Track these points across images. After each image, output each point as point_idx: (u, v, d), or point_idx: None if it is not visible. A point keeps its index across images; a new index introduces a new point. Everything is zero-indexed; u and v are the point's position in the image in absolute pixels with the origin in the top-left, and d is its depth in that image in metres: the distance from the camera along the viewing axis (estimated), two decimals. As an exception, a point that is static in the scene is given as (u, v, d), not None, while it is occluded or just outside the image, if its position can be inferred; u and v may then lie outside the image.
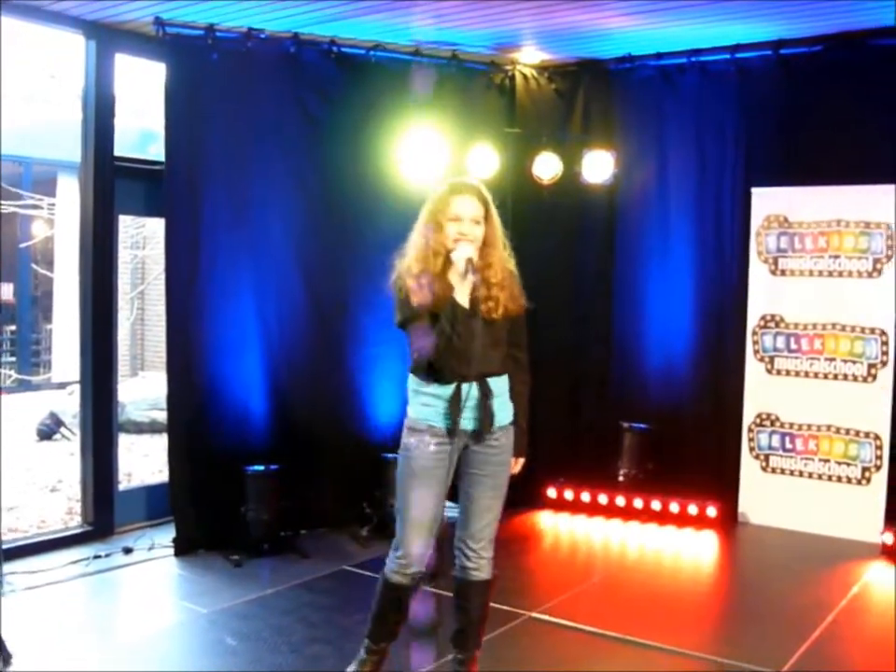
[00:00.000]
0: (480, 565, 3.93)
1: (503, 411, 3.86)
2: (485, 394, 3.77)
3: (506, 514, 6.66)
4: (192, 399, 6.20)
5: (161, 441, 8.01)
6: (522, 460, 4.00)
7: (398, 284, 3.81)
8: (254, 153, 6.31)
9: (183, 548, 6.09)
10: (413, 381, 3.91)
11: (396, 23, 6.18)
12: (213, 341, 6.24)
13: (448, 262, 3.74)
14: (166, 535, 6.23)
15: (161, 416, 8.30)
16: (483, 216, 3.80)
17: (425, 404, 3.83)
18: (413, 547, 3.84)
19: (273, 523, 6.15)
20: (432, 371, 3.77)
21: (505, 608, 5.07)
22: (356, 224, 6.66)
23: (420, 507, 3.82)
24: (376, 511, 6.56)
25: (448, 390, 3.75)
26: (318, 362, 6.60)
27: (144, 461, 9.22)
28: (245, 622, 4.97)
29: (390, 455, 6.57)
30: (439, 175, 6.31)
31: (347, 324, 6.75)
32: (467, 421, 3.78)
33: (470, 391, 3.74)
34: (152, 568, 5.86)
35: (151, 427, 10.58)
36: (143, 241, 13.86)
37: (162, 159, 6.14)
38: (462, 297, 3.70)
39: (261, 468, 6.16)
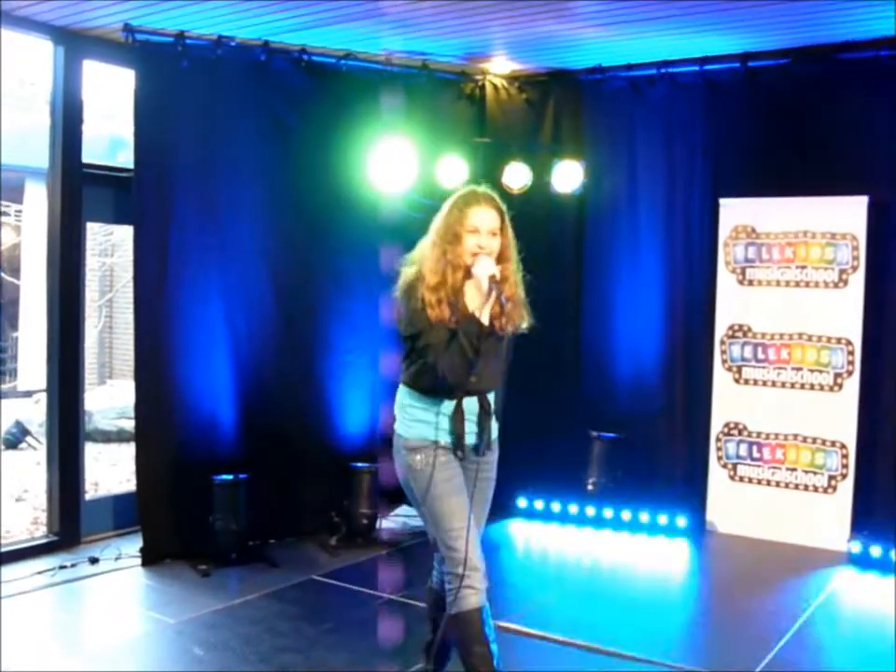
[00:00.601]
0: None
1: (495, 426, 3.82)
2: (485, 410, 3.71)
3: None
4: (160, 407, 6.16)
5: (129, 450, 7.96)
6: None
7: (409, 293, 3.63)
8: (224, 161, 6.29)
9: (150, 558, 6.04)
10: (407, 395, 3.76)
11: (366, 33, 6.18)
12: (181, 349, 6.20)
13: (466, 276, 3.62)
14: (133, 545, 6.18)
15: (130, 425, 8.24)
16: (500, 227, 3.69)
17: (420, 420, 3.70)
18: (475, 559, 3.62)
19: (241, 532, 6.12)
20: (439, 387, 3.63)
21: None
22: (325, 232, 6.65)
23: (461, 515, 3.64)
24: (345, 520, 6.55)
25: (450, 405, 3.66)
26: (288, 370, 6.59)
27: (111, 470, 9.15)
28: (213, 632, 4.93)
29: (359, 464, 6.61)
30: (408, 184, 6.33)
31: (317, 332, 6.74)
32: (468, 436, 3.71)
33: (470, 406, 3.68)
34: (119, 579, 5.80)
35: (119, 436, 10.50)
36: (111, 248, 13.75)
37: (131, 166, 6.10)
38: (483, 313, 3.56)
39: (230, 477, 6.13)
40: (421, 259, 3.69)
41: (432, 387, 3.64)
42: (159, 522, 6.11)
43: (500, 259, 3.67)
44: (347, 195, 6.55)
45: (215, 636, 4.87)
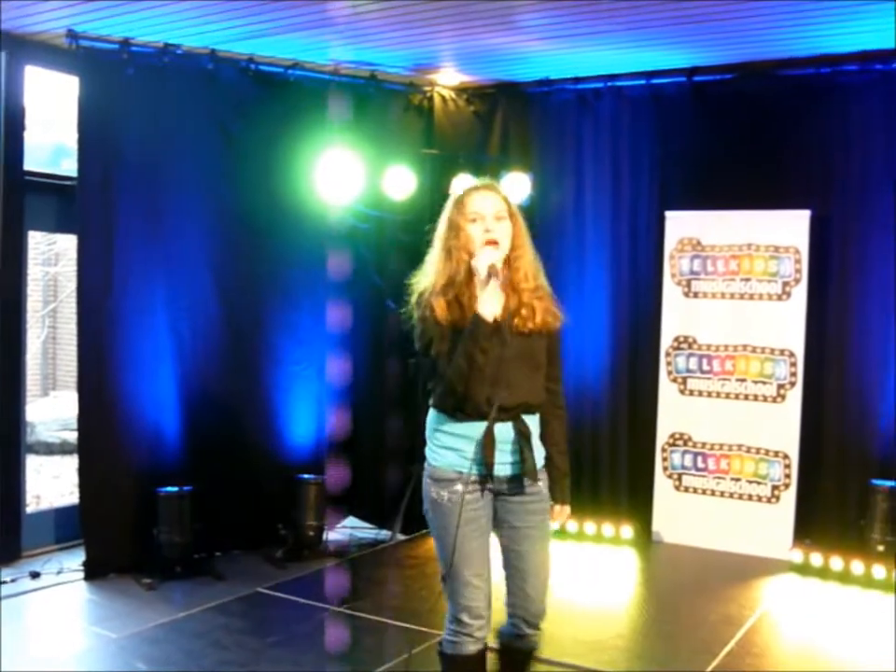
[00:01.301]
0: (535, 641, 3.46)
1: (538, 451, 3.36)
2: (523, 434, 3.26)
3: (421, 535, 6.82)
4: (104, 418, 6.07)
5: (73, 463, 7.84)
6: (567, 508, 3.53)
7: (418, 304, 3.28)
8: (169, 169, 6.24)
9: (93, 572, 5.95)
10: (435, 418, 3.35)
11: (314, 43, 6.17)
12: (126, 360, 6.13)
13: (471, 271, 3.24)
14: (76, 559, 6.09)
15: (73, 437, 8.11)
16: (508, 212, 3.29)
17: (448, 447, 3.29)
18: (475, 605, 3.31)
19: (186, 545, 6.06)
20: (457, 404, 3.23)
21: (419, 628, 5.05)
22: (271, 242, 6.61)
23: (474, 561, 3.31)
24: (292, 532, 6.50)
25: (478, 429, 3.21)
26: (234, 381, 6.54)
27: (54, 483, 9.01)
28: (156, 646, 4.87)
29: (305, 476, 6.58)
30: (355, 195, 6.33)
31: (263, 342, 6.71)
32: (500, 466, 3.27)
33: (503, 430, 3.24)
34: (61, 593, 5.71)
35: (62, 448, 10.35)
36: (55, 257, 13.57)
37: (75, 174, 6.03)
38: (486, 309, 3.11)
39: (174, 489, 6.07)
40: (428, 268, 3.35)
41: (454, 405, 3.24)
42: (102, 535, 6.02)
43: (514, 248, 3.28)
44: (294, 205, 6.53)
45: (158, 650, 4.81)
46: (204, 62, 6.29)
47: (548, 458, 3.43)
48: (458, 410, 3.24)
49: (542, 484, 3.37)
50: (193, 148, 6.32)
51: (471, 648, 3.35)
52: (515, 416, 3.25)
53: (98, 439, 6.07)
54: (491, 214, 3.25)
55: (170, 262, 6.28)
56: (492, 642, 3.49)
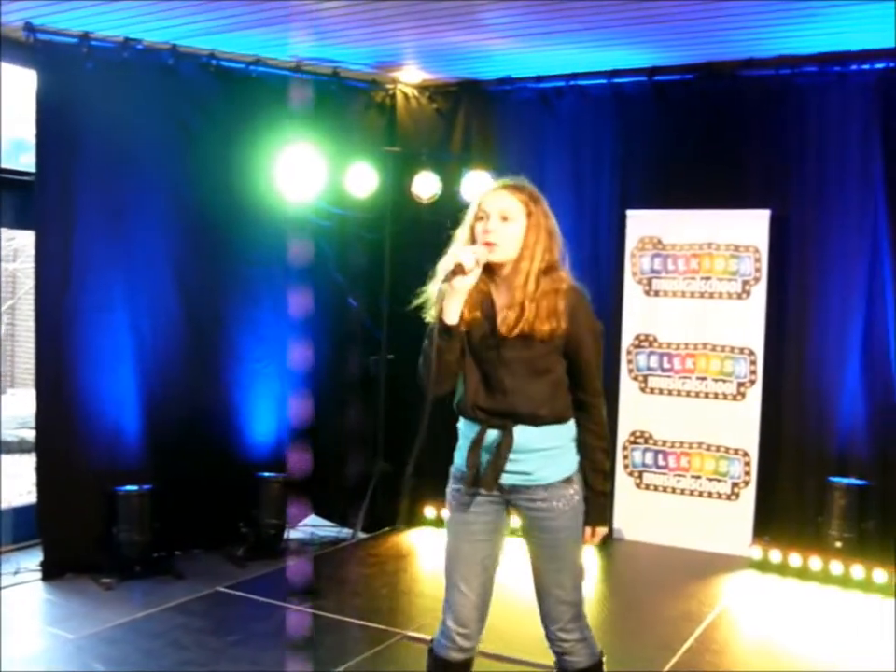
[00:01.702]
0: (566, 648, 3.32)
1: (551, 466, 3.18)
2: (507, 444, 3.13)
3: (382, 534, 6.81)
4: (62, 416, 6.01)
5: (31, 461, 7.75)
6: (601, 530, 3.34)
7: (426, 305, 3.23)
8: (129, 165, 6.18)
9: (51, 572, 5.89)
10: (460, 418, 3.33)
11: (276, 38, 6.14)
12: (84, 357, 6.07)
13: (485, 272, 3.14)
14: (34, 558, 6.02)
15: (31, 435, 8.03)
16: (523, 213, 3.14)
17: (460, 447, 3.28)
18: (459, 609, 3.25)
19: (145, 544, 6.02)
20: (458, 406, 3.25)
21: (380, 627, 5.06)
22: (232, 239, 6.58)
23: (461, 564, 3.25)
24: (252, 530, 6.48)
25: (475, 432, 3.20)
26: (194, 379, 6.50)
27: (11, 482, 8.89)
28: (114, 646, 4.82)
29: (266, 474, 6.55)
30: (316, 192, 6.31)
31: (224, 340, 6.67)
32: (503, 475, 3.18)
33: (495, 437, 3.16)
34: (17, 594, 5.64)
35: (20, 447, 10.20)
36: (14, 253, 13.41)
37: (34, 169, 5.96)
38: (446, 307, 3.04)
39: (134, 488, 6.02)
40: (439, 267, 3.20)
41: (456, 406, 3.26)
42: (60, 535, 5.96)
43: (523, 248, 3.13)
44: (255, 202, 6.50)
45: (116, 651, 4.76)
46: (165, 57, 6.24)
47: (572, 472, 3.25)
48: (460, 412, 3.25)
49: (559, 502, 3.19)
50: (154, 144, 6.26)
51: (452, 655, 3.29)
52: (504, 424, 3.15)
53: (56, 437, 6.00)
54: (496, 213, 3.13)
55: (130, 259, 6.22)
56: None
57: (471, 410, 3.20)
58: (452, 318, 3.06)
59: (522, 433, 3.16)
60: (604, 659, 3.42)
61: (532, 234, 3.14)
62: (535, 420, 3.16)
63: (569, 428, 3.23)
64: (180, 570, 6.05)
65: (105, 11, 5.49)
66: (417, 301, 3.18)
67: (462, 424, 3.28)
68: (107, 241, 6.12)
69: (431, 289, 3.17)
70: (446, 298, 3.04)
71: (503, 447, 3.14)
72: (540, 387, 3.15)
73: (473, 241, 3.17)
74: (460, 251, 3.09)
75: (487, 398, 3.17)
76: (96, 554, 5.99)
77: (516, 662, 4.68)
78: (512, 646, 4.75)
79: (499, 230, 3.12)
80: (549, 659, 3.45)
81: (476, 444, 3.18)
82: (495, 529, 3.29)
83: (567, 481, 3.21)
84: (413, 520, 7.11)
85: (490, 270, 3.15)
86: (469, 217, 3.23)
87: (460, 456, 3.28)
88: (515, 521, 3.36)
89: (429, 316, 3.16)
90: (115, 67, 6.03)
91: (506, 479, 3.18)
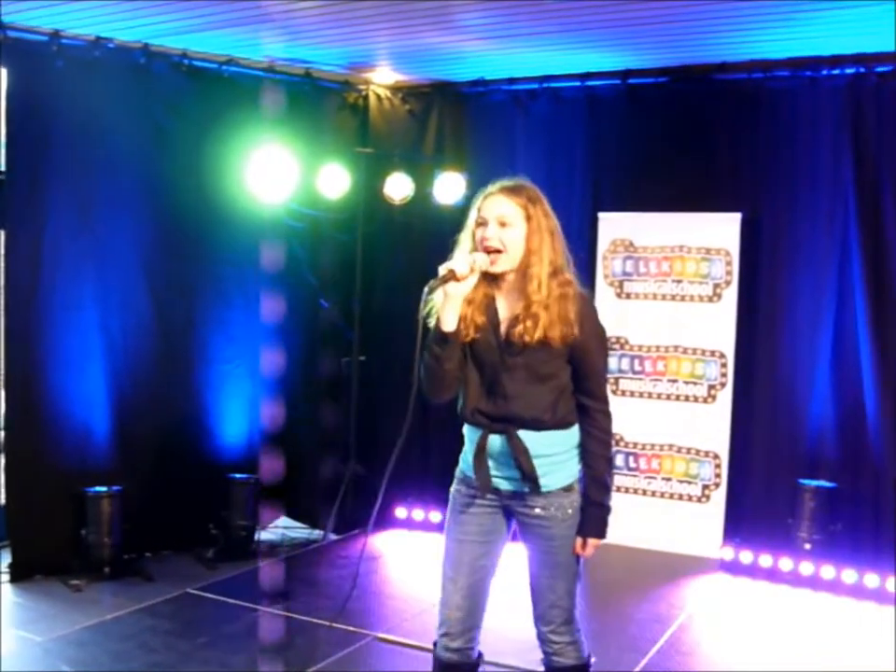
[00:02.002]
0: (555, 649, 3.31)
1: (551, 474, 3.17)
2: (518, 449, 3.13)
3: (353, 536, 6.80)
4: (31, 417, 5.94)
5: (-2, 462, 7.69)
6: (594, 542, 3.26)
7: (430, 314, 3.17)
8: (101, 164, 6.12)
9: (19, 574, 5.82)
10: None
11: (249, 39, 6.12)
12: (54, 357, 6.01)
13: (485, 279, 3.14)
14: (1, 560, 5.95)
15: (0, 436, 7.97)
16: (523, 217, 3.12)
17: (465, 451, 3.31)
18: (444, 608, 3.29)
19: (115, 546, 5.97)
20: (460, 411, 3.27)
21: (350, 629, 5.05)
22: (204, 239, 6.54)
23: (450, 562, 3.30)
24: (223, 532, 6.44)
25: (478, 436, 3.21)
26: (165, 380, 6.45)
27: (-21, 483, 8.82)
28: (82, 649, 4.78)
29: (237, 475, 6.53)
30: (288, 193, 6.29)
31: (195, 340, 6.63)
32: (500, 480, 3.22)
33: (497, 442, 3.17)
34: (-16, 596, 5.61)
35: (-12, 447, 10.13)
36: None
37: (2, 168, 5.91)
38: (445, 315, 3.06)
39: (103, 489, 5.98)
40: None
41: (459, 411, 3.28)
42: (28, 536, 5.90)
43: (527, 253, 3.10)
44: (227, 202, 6.46)
45: (84, 653, 4.73)
46: (137, 56, 6.20)
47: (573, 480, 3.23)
48: (462, 417, 3.26)
49: (558, 510, 3.19)
50: (125, 144, 6.21)
51: (442, 654, 3.30)
52: (507, 429, 3.14)
53: (25, 438, 5.94)
54: (494, 219, 3.12)
55: (100, 258, 6.17)
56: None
57: (472, 415, 3.21)
58: (448, 325, 3.07)
59: (527, 438, 3.15)
60: (592, 661, 3.44)
61: (535, 238, 3.12)
62: (536, 425, 3.15)
63: (572, 435, 3.21)
64: (150, 572, 6.01)
65: (76, 9, 5.44)
66: (425, 309, 3.07)
67: (466, 429, 3.30)
68: (78, 240, 6.06)
69: (437, 297, 3.11)
70: (442, 305, 3.05)
71: (519, 452, 3.13)
72: (543, 393, 3.14)
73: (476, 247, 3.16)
74: (457, 257, 3.10)
75: (488, 402, 3.18)
76: (65, 556, 5.94)
77: (497, 665, 4.65)
78: (495, 650, 4.74)
79: (497, 234, 3.11)
80: (530, 663, 3.45)
81: (480, 450, 3.18)
82: (490, 532, 3.30)
83: (568, 489, 3.20)
84: (385, 522, 7.09)
85: (493, 275, 3.13)
86: (469, 222, 3.22)
87: (465, 460, 3.30)
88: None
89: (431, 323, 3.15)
90: (86, 66, 5.98)
91: (504, 484, 3.20)
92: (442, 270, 3.02)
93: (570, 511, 3.21)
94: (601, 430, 3.20)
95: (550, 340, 3.05)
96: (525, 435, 3.14)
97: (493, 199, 3.16)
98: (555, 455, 3.17)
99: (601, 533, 3.26)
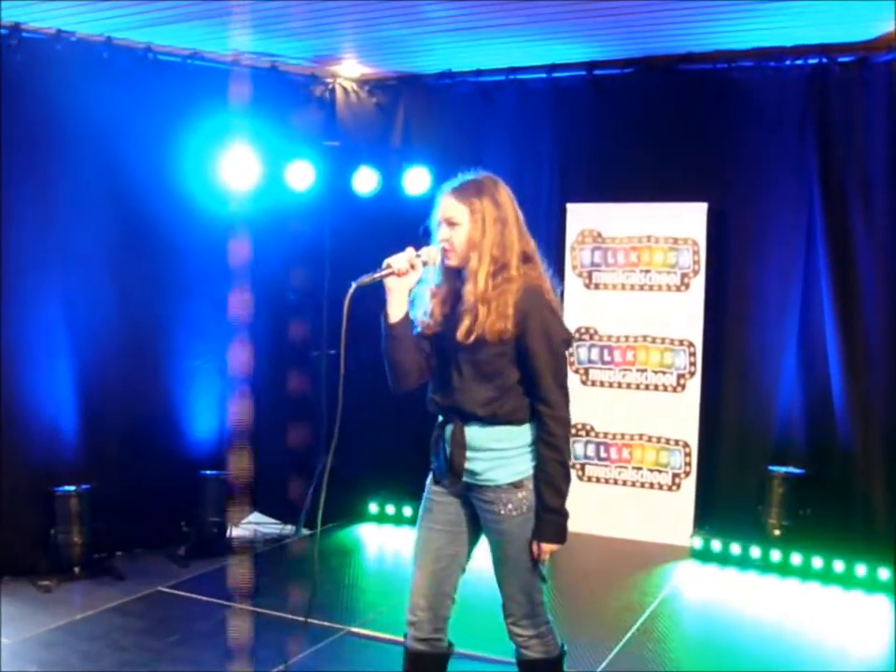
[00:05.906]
0: (519, 642, 3.31)
1: (499, 468, 3.15)
2: (454, 440, 3.19)
3: (325, 529, 6.78)
4: (-3, 416, 5.90)
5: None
6: (549, 547, 3.21)
7: None
8: (63, 160, 6.05)
9: (-14, 575, 5.78)
10: None
11: (214, 32, 6.06)
12: (20, 355, 5.92)
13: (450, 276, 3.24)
14: (-32, 561, 5.91)
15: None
16: (466, 213, 3.13)
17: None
18: (410, 595, 3.32)
19: (85, 545, 5.92)
20: (428, 402, 3.33)
21: (324, 623, 5.04)
22: (170, 233, 6.48)
23: (420, 552, 3.34)
24: (194, 529, 6.41)
25: (438, 424, 3.31)
26: (132, 376, 6.40)
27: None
28: (51, 650, 4.74)
29: (207, 472, 6.49)
30: (254, 186, 6.25)
31: (162, 336, 6.59)
32: (445, 464, 3.27)
33: (448, 432, 3.24)
34: (-48, 599, 5.54)
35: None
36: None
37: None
38: (392, 308, 3.18)
39: (72, 488, 5.92)
40: None
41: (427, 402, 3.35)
42: (-5, 537, 5.86)
43: (470, 249, 3.13)
44: (193, 196, 6.41)
45: (53, 654, 4.68)
46: (100, 49, 6.13)
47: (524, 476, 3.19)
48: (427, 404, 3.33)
49: (506, 507, 3.17)
50: (88, 139, 6.13)
51: (411, 644, 3.33)
52: (454, 420, 3.20)
53: (-10, 437, 5.88)
54: (445, 218, 3.17)
55: (64, 254, 6.10)
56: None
57: (429, 403, 3.32)
58: (391, 317, 3.17)
59: (471, 431, 3.18)
60: (565, 653, 3.44)
61: (477, 231, 3.12)
62: (477, 419, 3.16)
63: (524, 432, 3.18)
64: (121, 571, 5.97)
65: (36, 2, 5.37)
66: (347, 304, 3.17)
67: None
68: (41, 236, 5.99)
69: (417, 290, 3.22)
70: (387, 297, 3.14)
71: (454, 444, 3.20)
72: (486, 390, 3.14)
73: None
74: (398, 255, 3.16)
75: (440, 393, 3.25)
76: (34, 556, 5.88)
77: (470, 657, 4.67)
78: (467, 640, 4.74)
79: (448, 234, 3.16)
80: (504, 652, 3.47)
81: (437, 438, 3.30)
82: (455, 523, 3.32)
83: (517, 485, 3.16)
84: (357, 515, 7.09)
85: (457, 270, 3.19)
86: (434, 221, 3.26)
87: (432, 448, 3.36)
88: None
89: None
90: (47, 60, 5.90)
91: (464, 476, 3.22)
92: (384, 265, 3.12)
93: (523, 507, 3.17)
94: (551, 435, 3.14)
95: (488, 336, 3.05)
96: (471, 428, 3.17)
97: (442, 199, 3.21)
98: (503, 450, 3.16)
99: (556, 538, 3.22)
